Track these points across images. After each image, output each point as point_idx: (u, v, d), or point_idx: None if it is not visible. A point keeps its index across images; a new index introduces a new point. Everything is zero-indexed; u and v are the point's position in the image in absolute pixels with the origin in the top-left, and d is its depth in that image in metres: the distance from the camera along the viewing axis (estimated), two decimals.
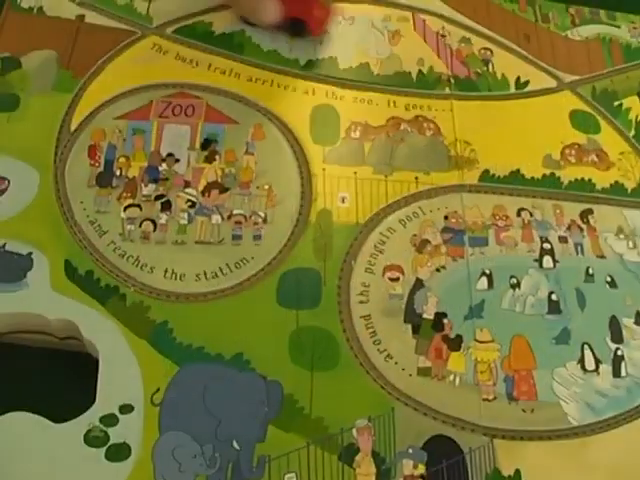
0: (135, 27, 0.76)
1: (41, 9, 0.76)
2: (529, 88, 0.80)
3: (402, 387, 0.60)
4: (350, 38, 0.80)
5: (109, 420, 0.56)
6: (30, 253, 0.62)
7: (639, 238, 0.72)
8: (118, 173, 0.67)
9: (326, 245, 0.66)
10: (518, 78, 0.80)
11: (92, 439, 0.55)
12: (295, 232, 0.66)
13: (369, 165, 0.71)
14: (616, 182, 0.74)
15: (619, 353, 0.65)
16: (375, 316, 0.63)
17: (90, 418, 0.56)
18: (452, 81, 0.79)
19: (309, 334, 0.62)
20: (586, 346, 0.65)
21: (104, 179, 0.67)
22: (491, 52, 0.82)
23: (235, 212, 0.67)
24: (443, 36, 0.82)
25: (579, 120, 0.78)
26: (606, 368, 0.64)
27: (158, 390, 0.57)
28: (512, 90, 0.79)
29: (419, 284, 0.65)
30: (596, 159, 0.76)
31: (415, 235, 0.68)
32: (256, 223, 0.66)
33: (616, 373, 0.64)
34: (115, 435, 0.55)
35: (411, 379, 0.61)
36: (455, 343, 0.63)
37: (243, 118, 0.72)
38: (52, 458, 0.54)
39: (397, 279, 0.65)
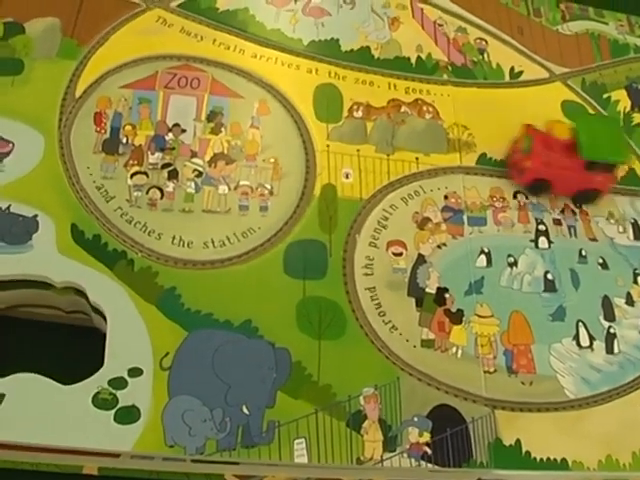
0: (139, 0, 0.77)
1: None
2: (523, 78, 0.82)
3: (407, 358, 0.62)
4: (351, 21, 0.81)
5: (118, 383, 0.55)
6: (35, 215, 0.61)
7: (629, 223, 0.75)
8: (124, 140, 0.67)
9: (331, 218, 0.67)
10: (512, 68, 0.83)
11: (101, 401, 0.55)
12: (301, 205, 0.67)
13: (371, 144, 0.72)
14: None
15: (612, 331, 0.67)
16: (380, 289, 0.65)
17: (99, 381, 0.55)
18: (450, 68, 0.81)
19: (316, 304, 0.62)
20: (581, 323, 0.67)
21: (110, 146, 0.66)
22: (486, 42, 0.84)
23: (241, 183, 0.67)
24: (440, 25, 0.84)
25: (570, 110, 0.81)
26: (600, 345, 0.67)
27: (167, 354, 0.57)
28: (507, 79, 0.82)
29: (421, 259, 0.67)
30: None
31: (417, 213, 0.69)
32: (262, 195, 0.67)
33: (609, 350, 0.67)
34: (124, 398, 0.55)
35: (415, 350, 0.62)
36: (457, 317, 0.65)
37: (248, 93, 0.73)
38: (60, 419, 0.53)
39: (400, 254, 0.67)
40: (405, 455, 0.58)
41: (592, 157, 0.71)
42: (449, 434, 0.59)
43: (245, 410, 0.57)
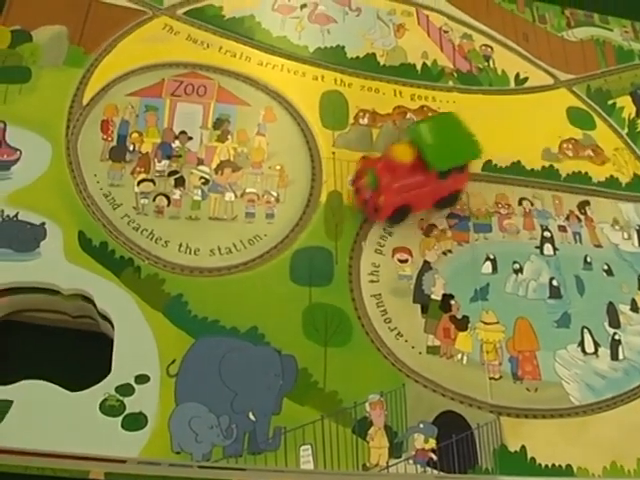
0: (146, 7, 0.76)
1: None
2: (528, 84, 0.83)
3: (412, 364, 0.62)
4: (357, 28, 0.81)
5: (125, 390, 0.56)
6: (43, 223, 0.62)
7: (633, 230, 0.75)
8: (131, 148, 0.67)
9: (337, 225, 0.67)
10: (517, 75, 0.83)
11: (108, 408, 0.55)
12: (307, 212, 0.68)
13: (377, 151, 0.72)
14: (611, 176, 0.78)
15: (616, 337, 0.68)
16: (385, 295, 0.65)
17: (106, 388, 0.56)
18: (455, 75, 0.81)
19: (322, 311, 0.63)
20: (586, 330, 0.67)
21: (117, 153, 0.67)
22: (491, 49, 0.84)
23: (248, 190, 0.67)
24: (446, 31, 0.84)
25: (575, 116, 0.81)
26: (604, 351, 0.67)
27: (174, 361, 0.58)
28: (512, 86, 0.82)
29: (427, 266, 0.67)
30: (592, 154, 0.79)
31: (422, 219, 0.70)
32: (269, 202, 0.67)
33: (614, 356, 0.67)
34: (131, 405, 0.55)
35: (421, 357, 0.62)
36: (462, 323, 0.65)
37: (254, 100, 0.73)
38: (68, 426, 0.54)
39: (406, 261, 0.67)
40: (411, 461, 0.58)
41: (443, 167, 0.67)
42: (455, 440, 0.59)
43: (251, 417, 0.57)
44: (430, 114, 0.76)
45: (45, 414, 0.54)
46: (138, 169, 0.66)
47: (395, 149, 0.67)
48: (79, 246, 0.61)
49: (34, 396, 0.55)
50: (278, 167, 0.69)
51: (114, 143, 0.67)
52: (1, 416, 0.53)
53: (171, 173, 0.67)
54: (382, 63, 0.79)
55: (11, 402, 0.54)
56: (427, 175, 0.67)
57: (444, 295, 0.66)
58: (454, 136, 0.68)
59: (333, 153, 0.71)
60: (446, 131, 0.69)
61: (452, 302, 0.66)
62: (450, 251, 0.68)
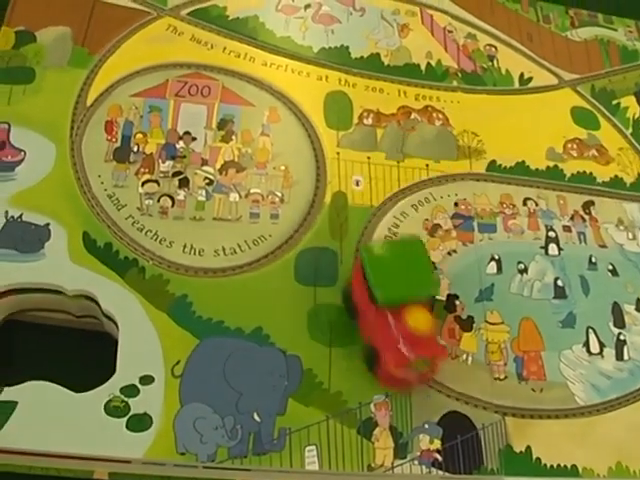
0: (150, 8, 0.76)
1: None
2: (532, 84, 0.82)
3: None
4: (361, 28, 0.81)
5: (130, 391, 0.56)
6: (47, 224, 0.61)
7: (638, 230, 0.75)
8: (135, 149, 0.67)
9: (342, 226, 0.67)
10: (522, 74, 0.83)
11: (113, 409, 0.55)
12: (311, 212, 0.67)
13: (382, 151, 0.73)
14: (615, 176, 0.77)
15: (621, 338, 0.68)
16: None
17: (110, 389, 0.56)
18: (459, 74, 0.81)
19: (327, 311, 0.62)
20: (591, 330, 0.67)
21: (121, 154, 0.67)
22: (496, 49, 0.84)
23: (252, 191, 0.67)
24: (450, 31, 0.84)
25: (580, 116, 0.81)
26: (610, 351, 0.67)
27: (178, 362, 0.58)
28: (516, 86, 0.82)
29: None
30: (596, 154, 0.78)
31: (427, 220, 0.69)
32: (273, 202, 0.67)
33: (619, 356, 0.67)
34: (136, 405, 0.55)
35: None
36: (467, 324, 0.65)
37: (258, 101, 0.73)
38: (73, 427, 0.54)
39: None
40: (416, 462, 0.58)
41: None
42: (460, 441, 0.59)
43: (256, 417, 0.57)
44: (434, 114, 0.76)
45: (50, 415, 0.54)
46: (142, 170, 0.66)
47: (411, 318, 0.57)
48: (83, 247, 0.61)
49: (39, 397, 0.55)
50: (282, 167, 0.69)
51: (118, 144, 0.67)
52: (6, 417, 0.53)
53: (175, 174, 0.67)
54: (386, 63, 0.79)
55: (16, 403, 0.54)
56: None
57: (449, 295, 0.66)
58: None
59: (337, 153, 0.71)
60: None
61: (457, 302, 0.65)
62: (455, 251, 0.68)
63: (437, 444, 0.59)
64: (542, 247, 0.71)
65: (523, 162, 0.75)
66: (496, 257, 0.69)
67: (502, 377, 0.63)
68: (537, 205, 0.73)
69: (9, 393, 0.54)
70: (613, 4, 0.93)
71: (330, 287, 0.64)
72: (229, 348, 0.59)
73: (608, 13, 0.92)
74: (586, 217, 0.74)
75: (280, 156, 0.70)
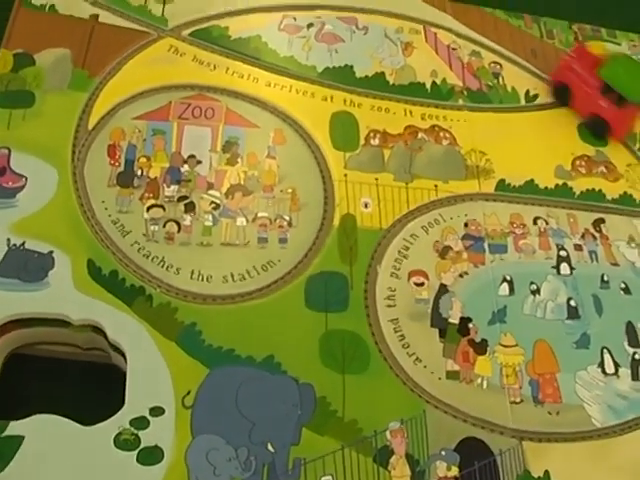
0: (150, 29, 0.76)
1: (53, 7, 0.74)
2: (538, 101, 0.82)
3: (432, 390, 0.61)
4: (365, 47, 0.81)
5: (140, 423, 0.54)
6: (51, 252, 0.60)
7: None
8: (139, 173, 0.66)
9: (351, 249, 0.66)
10: (527, 91, 0.82)
11: (123, 442, 0.53)
12: (320, 236, 0.67)
13: (389, 172, 0.72)
14: (625, 193, 0.77)
15: (637, 357, 0.67)
16: (403, 320, 0.64)
17: (120, 421, 0.54)
18: (465, 93, 0.80)
19: (338, 337, 0.61)
20: (605, 350, 0.66)
21: (125, 179, 0.66)
22: (500, 66, 0.84)
23: (260, 215, 0.66)
24: (454, 49, 0.84)
25: (587, 133, 0.80)
26: (625, 371, 0.66)
27: (189, 393, 0.56)
28: (522, 103, 0.81)
29: (443, 289, 0.66)
30: (605, 170, 0.78)
31: (437, 241, 0.69)
32: (281, 226, 0.66)
33: (634, 376, 0.66)
34: (146, 438, 0.54)
35: (440, 382, 0.61)
36: (481, 347, 0.64)
37: (263, 122, 0.72)
38: (82, 462, 0.52)
39: (422, 284, 0.66)
40: None
41: (609, 79, 0.78)
42: (477, 467, 0.58)
43: (270, 448, 0.55)
44: (441, 133, 0.76)
45: (58, 449, 0.53)
46: (147, 195, 0.65)
47: (594, 44, 0.82)
48: (88, 275, 0.60)
49: (46, 431, 0.53)
50: (290, 190, 0.68)
51: (121, 168, 0.66)
52: (13, 452, 0.52)
53: (181, 198, 0.66)
54: (391, 82, 0.79)
55: (22, 438, 0.52)
56: (595, 80, 0.78)
57: (462, 318, 0.65)
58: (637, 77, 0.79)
59: (345, 175, 0.70)
60: (636, 71, 0.80)
61: (470, 325, 0.65)
62: (466, 273, 0.67)
63: (454, 471, 0.58)
64: (554, 267, 0.70)
65: (532, 180, 0.75)
66: (508, 278, 0.68)
67: (518, 401, 0.62)
68: (547, 224, 0.73)
69: (15, 427, 0.53)
70: (616, 18, 0.92)
71: (341, 312, 0.63)
72: (240, 377, 0.58)
73: (611, 27, 0.92)
74: (597, 235, 0.73)
75: (287, 179, 0.69)
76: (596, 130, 0.80)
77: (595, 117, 0.79)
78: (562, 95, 0.81)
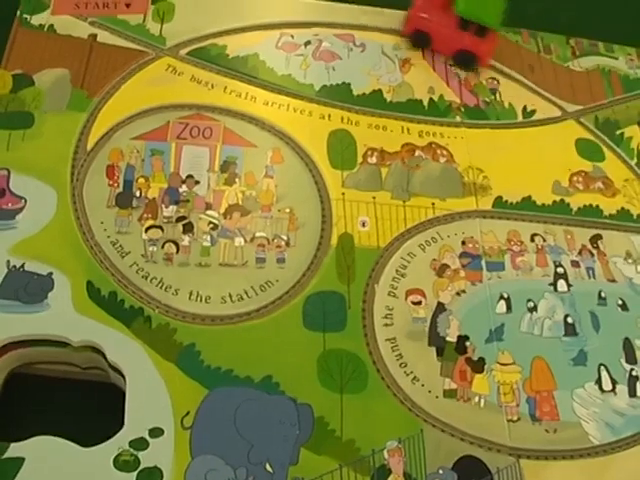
0: (148, 48, 0.76)
1: (52, 27, 0.75)
2: (535, 117, 0.82)
3: (429, 409, 0.61)
4: (362, 64, 0.81)
5: (139, 444, 0.55)
6: (50, 273, 0.61)
7: None
8: (138, 194, 0.67)
9: (349, 268, 0.67)
10: (525, 107, 0.82)
11: (122, 463, 0.54)
12: (318, 255, 0.67)
13: (387, 190, 0.72)
14: (622, 208, 0.77)
15: (634, 373, 0.67)
16: (400, 339, 0.64)
17: (119, 442, 0.55)
18: (462, 109, 0.80)
19: (336, 357, 0.62)
20: (602, 367, 0.66)
21: (124, 200, 0.66)
22: (498, 82, 0.84)
23: (257, 235, 0.67)
24: (451, 65, 0.83)
25: (584, 148, 0.80)
26: (622, 388, 0.66)
27: (188, 413, 0.57)
28: (519, 119, 0.81)
29: (441, 308, 0.66)
30: (602, 186, 0.78)
31: (435, 260, 0.69)
32: (279, 246, 0.66)
33: (632, 393, 0.66)
34: (146, 459, 0.54)
35: (438, 401, 0.62)
36: (478, 365, 0.64)
37: (261, 141, 0.72)
38: None
39: (419, 303, 0.66)
40: None
41: (464, 14, 0.79)
42: None
43: (268, 468, 0.56)
44: (438, 151, 0.75)
45: (58, 471, 0.53)
46: (145, 215, 0.65)
47: None
48: (88, 296, 0.60)
49: (46, 453, 0.53)
50: (287, 210, 0.68)
51: (120, 189, 0.67)
52: (13, 474, 0.52)
53: (179, 219, 0.66)
54: (389, 100, 0.79)
55: (23, 459, 0.53)
56: (452, 19, 0.80)
57: (459, 337, 0.65)
58: (491, 2, 0.79)
59: (343, 194, 0.70)
60: None
61: (467, 344, 0.65)
62: (464, 291, 0.67)
63: None
64: (551, 284, 0.70)
65: (529, 197, 0.75)
66: (505, 296, 0.68)
67: (515, 419, 0.62)
68: (545, 241, 0.72)
69: (16, 449, 0.53)
70: (613, 32, 0.92)
71: (339, 332, 0.63)
72: (239, 398, 0.58)
73: (608, 41, 0.92)
74: (594, 251, 0.73)
75: (285, 198, 0.69)
76: (466, 64, 0.82)
77: (461, 52, 0.81)
78: (421, 41, 0.83)
